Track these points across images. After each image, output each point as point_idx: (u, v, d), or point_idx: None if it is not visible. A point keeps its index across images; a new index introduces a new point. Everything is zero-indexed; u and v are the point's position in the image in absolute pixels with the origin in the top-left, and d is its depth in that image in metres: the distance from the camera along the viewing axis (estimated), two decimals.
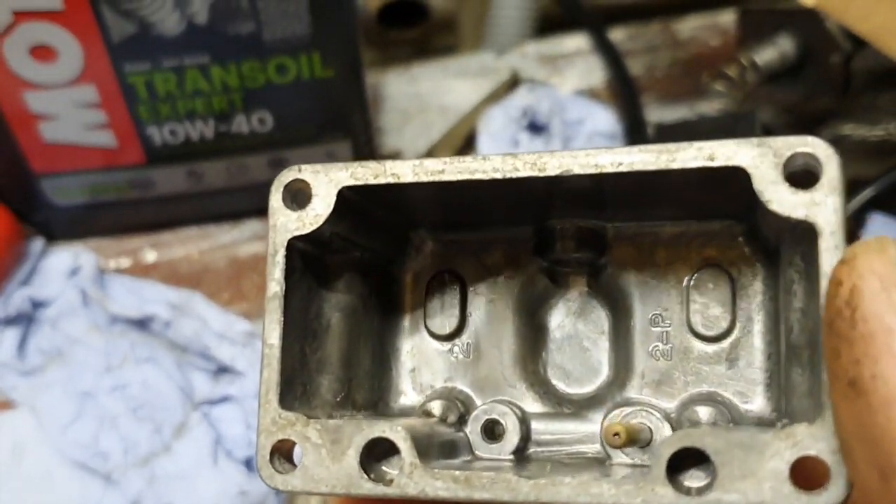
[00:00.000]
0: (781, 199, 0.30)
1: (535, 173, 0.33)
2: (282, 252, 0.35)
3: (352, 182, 0.35)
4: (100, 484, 0.71)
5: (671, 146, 0.31)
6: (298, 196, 0.35)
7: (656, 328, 0.39)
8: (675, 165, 0.31)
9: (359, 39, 0.75)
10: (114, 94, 0.73)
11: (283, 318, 0.34)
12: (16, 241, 0.80)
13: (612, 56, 0.88)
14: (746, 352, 0.38)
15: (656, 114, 0.86)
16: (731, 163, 0.31)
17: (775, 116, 0.83)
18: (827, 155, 0.30)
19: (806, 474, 0.28)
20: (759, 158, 0.30)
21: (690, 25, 0.93)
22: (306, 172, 0.35)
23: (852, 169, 0.79)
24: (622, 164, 0.32)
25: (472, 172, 0.34)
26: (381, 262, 0.41)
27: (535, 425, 0.39)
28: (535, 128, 0.83)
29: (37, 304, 0.79)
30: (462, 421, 0.40)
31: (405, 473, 0.32)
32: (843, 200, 0.30)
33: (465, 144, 0.87)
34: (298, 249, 0.36)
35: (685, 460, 0.30)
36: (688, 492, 0.29)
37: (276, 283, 0.35)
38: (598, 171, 0.32)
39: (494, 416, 0.39)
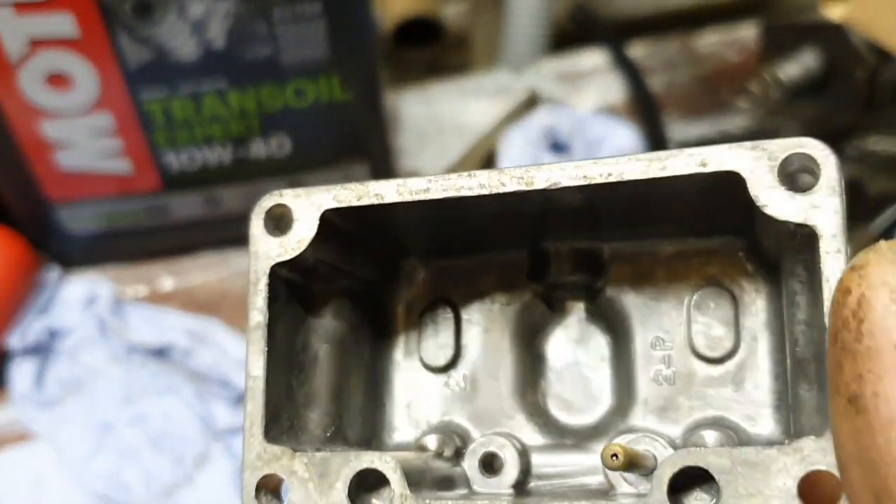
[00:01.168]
0: (778, 204, 0.29)
1: (522, 187, 0.32)
2: (264, 280, 0.34)
3: (334, 205, 0.34)
4: None
5: (661, 154, 0.30)
6: (280, 222, 0.34)
7: (658, 351, 0.37)
8: (666, 173, 0.30)
9: (377, 61, 0.74)
10: (130, 121, 0.72)
11: (266, 349, 0.33)
12: (31, 269, 0.79)
13: (631, 72, 0.87)
14: (752, 373, 0.36)
15: (678, 130, 0.85)
16: (724, 168, 0.29)
17: (799, 132, 0.82)
18: (824, 155, 0.28)
19: (816, 491, 0.27)
20: (753, 162, 0.29)
21: (709, 41, 0.92)
22: (287, 196, 0.34)
23: (878, 184, 0.78)
24: (612, 175, 0.31)
25: (458, 189, 0.32)
26: (372, 292, 0.40)
27: (536, 458, 0.37)
28: (557, 147, 0.82)
29: (54, 334, 0.78)
30: (459, 455, 0.38)
31: None
32: (844, 202, 0.28)
33: (486, 165, 0.86)
34: (283, 278, 0.35)
35: (688, 481, 0.28)
36: None
37: (258, 312, 0.34)
38: (587, 182, 0.31)
39: (492, 448, 0.37)
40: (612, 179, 0.30)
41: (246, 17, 0.68)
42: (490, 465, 0.37)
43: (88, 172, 0.75)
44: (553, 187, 0.31)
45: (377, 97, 0.76)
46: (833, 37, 0.73)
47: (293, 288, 0.35)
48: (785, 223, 0.29)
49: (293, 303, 0.36)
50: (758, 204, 0.29)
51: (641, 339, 0.37)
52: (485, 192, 0.32)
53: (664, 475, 0.28)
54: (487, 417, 0.39)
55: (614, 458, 0.30)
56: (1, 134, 0.71)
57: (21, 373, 0.76)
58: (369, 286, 0.39)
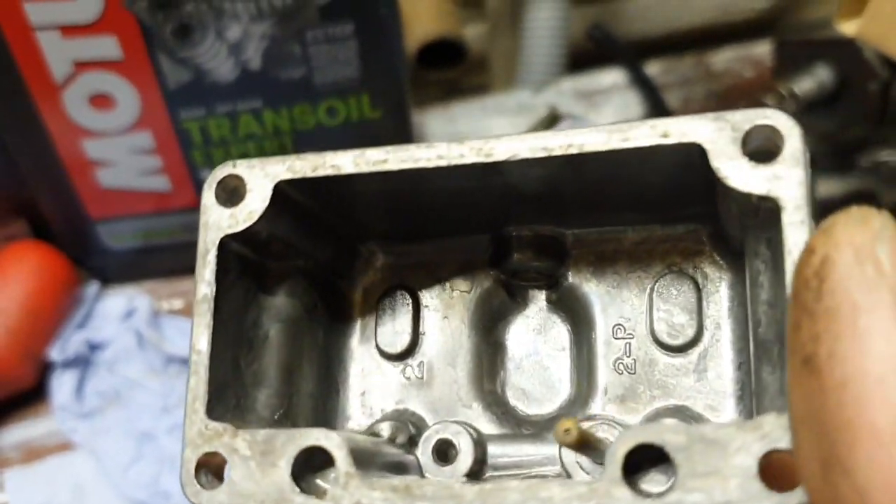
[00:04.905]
0: (741, 176, 0.28)
1: (482, 159, 0.31)
2: (213, 252, 0.33)
3: (288, 175, 0.32)
4: None
5: (623, 125, 0.30)
6: (234, 194, 0.33)
7: (619, 340, 0.37)
8: (628, 145, 0.29)
9: (406, 80, 0.77)
10: (169, 140, 0.75)
11: (212, 323, 0.32)
12: (72, 285, 0.81)
13: (649, 90, 0.90)
14: (715, 362, 0.35)
15: None
16: (685, 139, 0.29)
17: (812, 146, 0.84)
18: (788, 127, 0.28)
19: (776, 471, 0.26)
20: (716, 133, 0.28)
21: (724, 58, 0.94)
22: (241, 167, 0.33)
23: (892, 195, 0.80)
24: (572, 146, 0.30)
25: (416, 161, 0.31)
26: (329, 275, 0.39)
27: (492, 448, 0.36)
28: None
29: (93, 347, 0.80)
30: (412, 442, 0.37)
31: (340, 484, 0.29)
32: (808, 174, 0.28)
33: None
34: (234, 251, 0.33)
35: (643, 461, 0.27)
36: (647, 494, 0.27)
37: (205, 284, 0.33)
38: (547, 153, 0.30)
39: (447, 435, 0.36)
40: (572, 151, 0.30)
41: (281, 39, 0.71)
42: (444, 453, 0.36)
43: (128, 190, 0.78)
44: (512, 159, 0.31)
45: (405, 115, 0.79)
46: (846, 51, 0.76)
47: (245, 263, 0.34)
48: (747, 196, 0.28)
49: (245, 278, 0.35)
50: (719, 176, 0.28)
51: (603, 327, 0.37)
52: (443, 163, 0.31)
53: (618, 452, 0.27)
54: (443, 406, 0.38)
55: (567, 432, 0.30)
56: (45, 154, 0.74)
57: (61, 384, 0.78)
58: (326, 269, 0.39)
